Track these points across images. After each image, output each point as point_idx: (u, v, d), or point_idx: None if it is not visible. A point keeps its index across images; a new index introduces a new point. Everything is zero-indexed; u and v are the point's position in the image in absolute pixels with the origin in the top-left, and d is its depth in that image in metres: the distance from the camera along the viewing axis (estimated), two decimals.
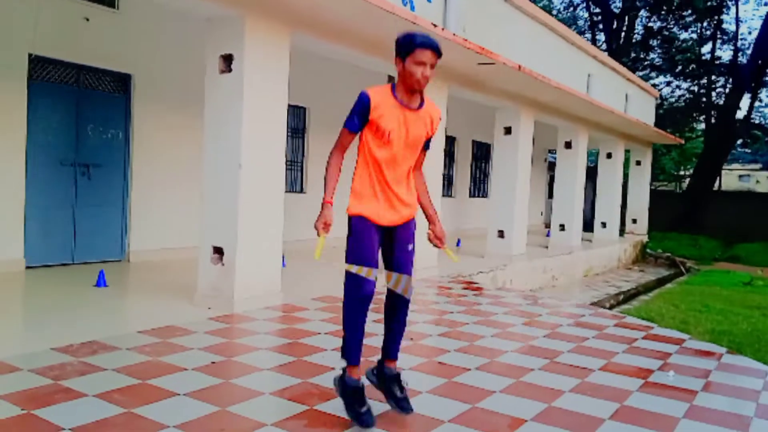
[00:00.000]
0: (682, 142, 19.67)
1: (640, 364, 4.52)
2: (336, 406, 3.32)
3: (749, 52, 25.88)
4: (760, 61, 24.20)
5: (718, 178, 26.22)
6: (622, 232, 16.08)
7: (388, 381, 3.21)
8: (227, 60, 5.45)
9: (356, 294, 3.05)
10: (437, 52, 2.93)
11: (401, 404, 3.15)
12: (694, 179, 25.83)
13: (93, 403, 3.25)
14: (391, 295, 3.20)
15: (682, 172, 39.08)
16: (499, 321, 5.80)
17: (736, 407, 3.72)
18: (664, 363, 4.60)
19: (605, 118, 12.36)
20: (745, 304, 10.21)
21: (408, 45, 2.92)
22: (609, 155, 14.86)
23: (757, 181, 57.06)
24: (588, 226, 15.02)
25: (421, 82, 2.93)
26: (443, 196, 14.01)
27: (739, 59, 26.19)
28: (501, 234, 10.27)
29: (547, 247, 12.45)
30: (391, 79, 11.77)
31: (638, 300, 11.15)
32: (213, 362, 4.06)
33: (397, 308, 3.22)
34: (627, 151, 16.51)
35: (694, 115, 29.56)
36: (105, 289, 6.15)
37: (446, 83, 8.09)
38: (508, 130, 10.02)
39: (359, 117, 3.00)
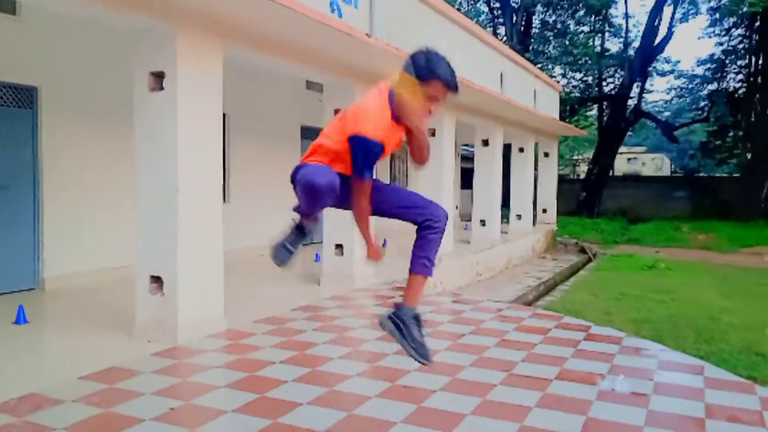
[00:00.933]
0: (585, 133, 20.73)
1: (590, 369, 4.71)
2: None
3: (636, 44, 27.62)
4: (646, 53, 25.86)
5: (613, 163, 27.86)
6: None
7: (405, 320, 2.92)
8: (158, 77, 5.12)
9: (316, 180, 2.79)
10: (454, 93, 2.73)
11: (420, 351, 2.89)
12: (592, 165, 27.31)
13: None
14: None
15: (576, 157, 41.36)
16: (447, 331, 5.86)
17: (688, 409, 3.95)
18: (611, 365, 4.83)
19: (520, 115, 12.77)
20: (654, 288, 10.90)
21: (429, 73, 2.63)
22: (521, 150, 15.39)
23: (643, 164, 61.27)
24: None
25: (424, 121, 2.78)
26: None
27: (629, 52, 27.85)
28: None
29: (469, 242, 12.74)
30: (311, 84, 11.64)
31: (558, 290, 11.63)
32: (172, 408, 3.82)
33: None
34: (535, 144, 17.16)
35: (588, 104, 31.18)
36: (26, 326, 5.66)
37: None
38: (432, 133, 10.11)
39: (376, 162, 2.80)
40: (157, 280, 5.27)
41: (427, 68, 2.59)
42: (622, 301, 9.63)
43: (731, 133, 27.72)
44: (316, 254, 10.39)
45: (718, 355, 6.54)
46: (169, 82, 5.07)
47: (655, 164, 60.82)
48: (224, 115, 9.89)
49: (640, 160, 61.54)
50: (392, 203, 2.98)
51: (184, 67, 5.08)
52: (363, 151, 2.71)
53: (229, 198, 10.17)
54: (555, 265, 15.11)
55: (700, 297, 10.03)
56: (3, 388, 4.08)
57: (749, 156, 25.18)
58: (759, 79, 25.18)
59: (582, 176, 35.52)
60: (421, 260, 2.90)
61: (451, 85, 2.62)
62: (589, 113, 33.71)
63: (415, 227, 2.94)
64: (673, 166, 60.02)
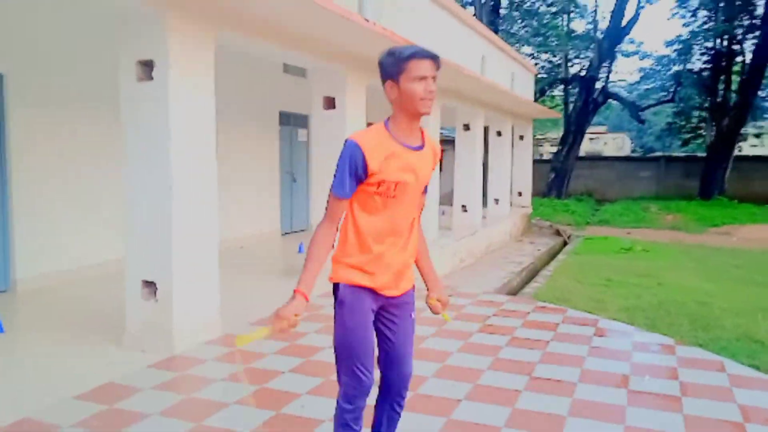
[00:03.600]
0: (560, 115, 20.73)
1: (616, 370, 4.58)
2: None
3: (604, 26, 27.72)
4: (614, 34, 25.97)
5: (581, 144, 28.04)
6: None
7: None
8: (147, 66, 4.72)
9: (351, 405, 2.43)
10: (436, 62, 2.36)
11: None
12: (561, 146, 27.43)
13: None
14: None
15: (539, 137, 41.69)
16: (459, 330, 5.66)
17: (723, 412, 3.84)
18: (632, 364, 4.71)
19: (501, 99, 12.59)
20: (637, 272, 10.92)
21: (399, 61, 2.33)
22: (499, 133, 15.25)
23: (605, 143, 62.29)
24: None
25: (427, 100, 2.33)
26: None
27: (598, 33, 27.95)
28: None
29: (450, 229, 12.57)
30: (289, 68, 11.20)
31: (541, 276, 11.58)
32: None
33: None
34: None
35: (554, 85, 31.30)
36: (2, 336, 5.24)
37: (369, 76, 7.69)
38: None
39: (352, 176, 2.31)
40: (149, 284, 4.92)
41: (396, 59, 2.34)
42: (609, 288, 9.59)
43: (696, 114, 28.18)
44: (300, 245, 10.11)
45: (716, 343, 6.50)
46: (160, 72, 4.67)
47: (616, 144, 61.85)
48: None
49: (602, 140, 62.49)
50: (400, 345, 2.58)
51: (175, 54, 4.68)
52: (341, 160, 2.34)
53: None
54: (533, 249, 15.09)
55: (685, 281, 10.07)
56: None
57: (713, 136, 25.63)
58: (723, 60, 25.57)
59: (545, 157, 35.82)
60: None
61: (427, 54, 2.34)
62: (554, 94, 33.88)
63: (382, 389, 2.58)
64: (633, 145, 61.18)
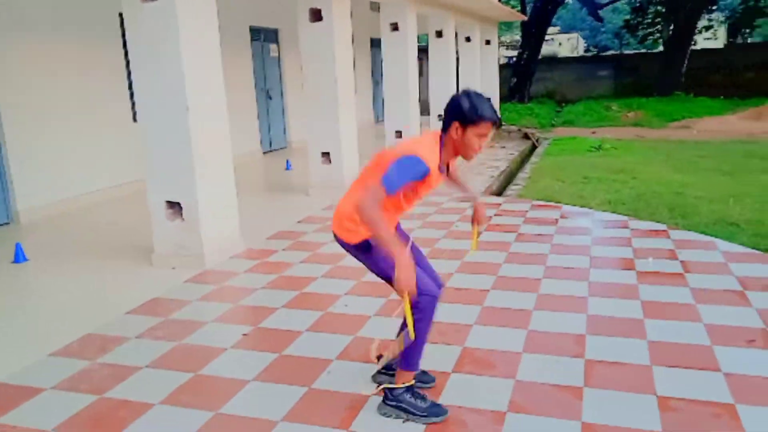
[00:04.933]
0: (525, 17, 20.60)
1: (621, 255, 5.01)
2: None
3: None
4: None
5: (541, 46, 28.04)
6: None
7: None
8: None
9: (434, 303, 2.71)
10: (497, 126, 2.72)
11: None
12: (522, 49, 27.40)
13: (170, 412, 2.93)
14: None
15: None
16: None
17: (724, 283, 4.30)
18: (634, 249, 5.15)
19: (471, 2, 12.49)
20: (611, 169, 11.41)
21: (474, 115, 2.60)
22: (468, 39, 15.17)
23: (560, 44, 62.07)
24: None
25: (477, 153, 2.71)
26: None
27: None
28: (399, 134, 10.32)
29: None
30: None
31: (520, 179, 11.99)
32: (244, 334, 3.80)
33: None
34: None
35: None
36: (29, 264, 5.35)
37: None
38: (395, 27, 9.80)
39: (407, 184, 2.56)
40: (173, 205, 5.05)
41: (473, 111, 2.61)
42: (588, 184, 10.05)
43: (653, 9, 28.29)
44: (287, 162, 10.21)
45: (696, 228, 7.03)
46: None
47: (570, 44, 61.75)
48: None
49: (556, 40, 62.26)
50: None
51: None
52: (405, 166, 2.52)
53: None
54: (506, 153, 15.46)
55: (657, 174, 10.60)
56: (49, 330, 3.93)
57: (670, 31, 25.92)
58: None
59: (501, 61, 35.70)
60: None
61: (496, 119, 2.67)
62: None
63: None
64: (587, 45, 61.22)
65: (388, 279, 2.67)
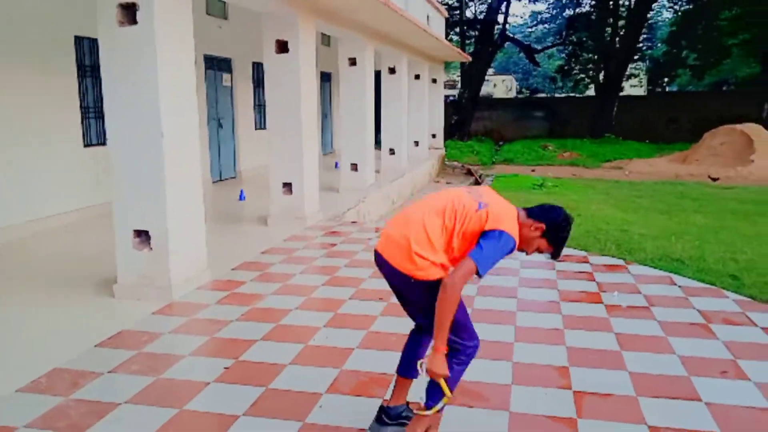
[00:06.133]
0: (470, 58, 21.30)
1: (587, 289, 5.18)
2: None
3: None
4: None
5: (481, 87, 29.01)
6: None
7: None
8: (129, 9, 4.55)
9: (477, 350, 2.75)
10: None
11: None
12: (463, 89, 28.28)
13: None
14: None
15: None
16: None
17: (688, 316, 4.52)
18: (598, 283, 5.34)
19: (424, 42, 12.84)
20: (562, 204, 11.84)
21: (558, 240, 2.70)
22: (417, 77, 15.56)
23: (495, 85, 64.33)
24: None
25: (527, 252, 2.76)
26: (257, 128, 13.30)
27: None
28: (354, 167, 10.38)
29: (378, 171, 12.89)
30: None
31: None
32: (226, 368, 3.68)
33: None
34: None
35: (456, 29, 31.87)
36: None
37: (319, 19, 7.64)
38: (353, 62, 9.95)
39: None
40: (141, 234, 4.88)
41: (558, 236, 2.69)
42: None
43: (586, 57, 29.87)
44: (240, 192, 10.06)
45: (643, 263, 7.38)
46: (144, 15, 4.53)
47: (505, 86, 64.11)
48: None
49: (491, 81, 64.49)
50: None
51: None
52: (501, 249, 2.53)
53: None
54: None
55: (601, 212, 11.06)
56: (12, 365, 3.69)
57: (602, 77, 27.39)
58: (611, 3, 27.11)
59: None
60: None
61: (556, 255, 2.76)
62: (451, 38, 34.47)
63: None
64: (519, 86, 63.71)
65: (429, 312, 2.59)
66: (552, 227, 2.66)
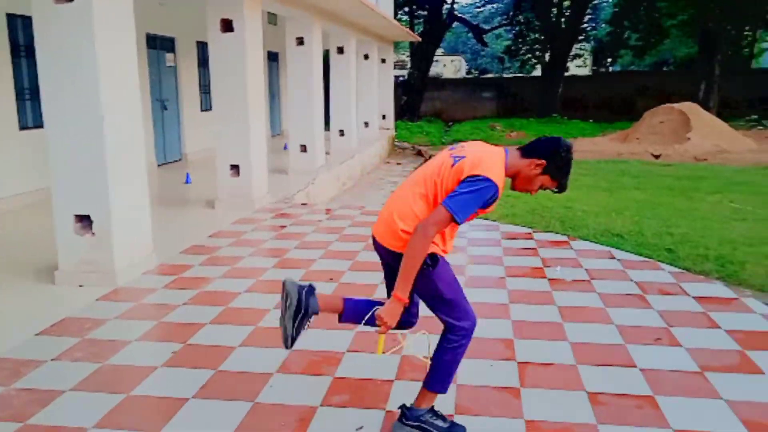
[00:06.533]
0: (419, 38, 21.28)
1: (532, 264, 5.33)
2: (353, 367, 3.37)
3: None
4: None
5: (430, 67, 29.10)
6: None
7: None
8: None
9: (475, 327, 2.68)
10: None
11: None
12: (413, 70, 28.30)
13: None
14: None
15: None
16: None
17: (626, 288, 4.71)
18: (542, 259, 5.50)
19: (373, 21, 12.78)
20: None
21: (562, 173, 2.55)
22: (366, 57, 15.49)
23: (444, 65, 64.57)
24: None
25: (529, 192, 2.63)
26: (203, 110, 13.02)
27: None
28: (303, 148, 10.31)
29: (328, 153, 12.84)
30: None
31: None
32: (174, 352, 3.65)
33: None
34: None
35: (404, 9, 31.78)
36: None
37: None
38: (300, 42, 9.83)
39: (477, 209, 2.43)
40: (82, 218, 4.76)
41: (561, 169, 2.55)
42: None
43: (532, 37, 30.27)
44: (186, 175, 9.88)
45: (585, 239, 7.62)
46: None
47: (454, 66, 64.40)
48: None
49: (441, 62, 64.69)
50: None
51: None
52: (477, 193, 2.38)
53: None
54: (402, 170, 15.87)
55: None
56: None
57: (548, 58, 27.84)
58: None
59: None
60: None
61: (562, 188, 2.62)
62: (400, 18, 34.37)
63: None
64: (468, 67, 64.16)
65: (444, 304, 2.59)
66: (553, 161, 2.51)
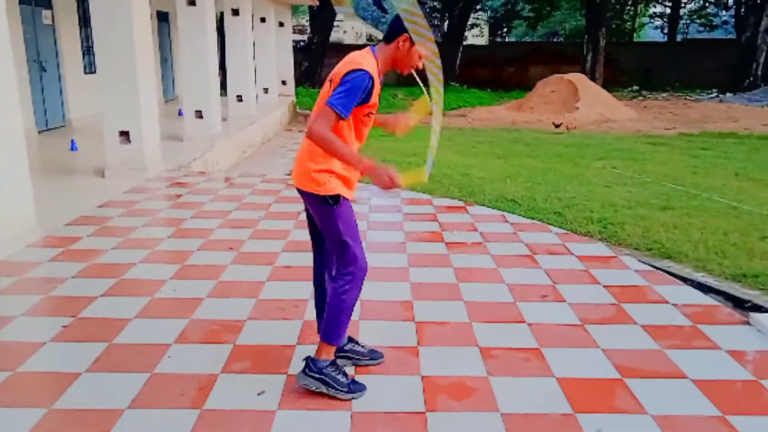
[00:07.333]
0: (318, 2, 20.84)
1: (430, 229, 5.50)
2: (254, 334, 3.38)
3: None
4: None
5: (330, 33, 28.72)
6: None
7: None
8: None
9: (364, 275, 2.79)
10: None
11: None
12: (313, 35, 27.85)
13: None
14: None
15: None
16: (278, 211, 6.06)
17: (517, 249, 4.97)
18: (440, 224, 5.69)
19: None
20: (404, 153, 12.12)
21: (420, 22, 2.58)
22: (263, 20, 15.04)
23: (345, 32, 63.92)
24: None
25: (414, 69, 2.75)
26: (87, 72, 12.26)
27: None
28: (199, 114, 9.95)
29: (225, 119, 12.47)
30: None
31: None
32: (64, 326, 3.49)
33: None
34: None
35: None
36: None
37: None
38: (192, 2, 9.40)
39: (357, 102, 2.54)
40: None
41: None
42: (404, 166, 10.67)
43: (429, 5, 30.52)
44: (72, 141, 9.31)
45: (481, 204, 7.93)
46: None
47: (355, 32, 63.87)
48: None
49: (341, 28, 63.94)
50: None
51: None
52: (351, 83, 2.51)
53: None
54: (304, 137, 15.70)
55: (445, 157, 11.58)
56: None
57: (446, 25, 28.25)
58: None
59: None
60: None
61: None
62: None
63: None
64: (369, 34, 63.86)
65: (338, 245, 2.69)
66: (409, 25, 2.60)
